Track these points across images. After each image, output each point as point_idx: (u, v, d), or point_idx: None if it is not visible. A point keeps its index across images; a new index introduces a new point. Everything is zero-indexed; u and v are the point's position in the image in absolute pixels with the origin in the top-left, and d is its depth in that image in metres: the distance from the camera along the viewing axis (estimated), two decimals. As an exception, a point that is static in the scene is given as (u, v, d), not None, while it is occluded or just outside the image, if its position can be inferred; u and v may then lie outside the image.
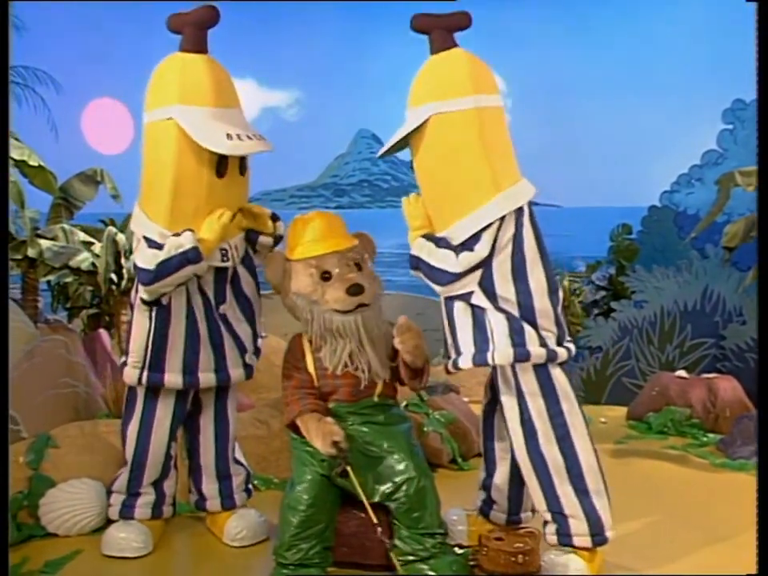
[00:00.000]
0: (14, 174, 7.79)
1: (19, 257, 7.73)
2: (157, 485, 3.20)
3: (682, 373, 5.37)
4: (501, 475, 3.02)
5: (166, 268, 2.85)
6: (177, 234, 2.88)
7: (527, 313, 2.78)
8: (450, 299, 2.85)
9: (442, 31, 2.86)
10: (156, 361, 3.02)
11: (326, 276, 2.76)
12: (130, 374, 3.07)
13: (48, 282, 8.75)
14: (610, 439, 4.76)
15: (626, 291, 6.32)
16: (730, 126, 6.38)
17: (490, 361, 2.74)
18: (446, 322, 2.90)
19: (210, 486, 3.26)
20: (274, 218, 3.13)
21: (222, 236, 2.92)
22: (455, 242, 2.77)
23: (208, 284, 3.05)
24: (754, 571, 2.25)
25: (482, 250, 2.73)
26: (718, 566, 2.86)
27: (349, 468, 2.67)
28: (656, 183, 7.14)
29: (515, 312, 2.76)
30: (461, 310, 2.82)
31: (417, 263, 2.87)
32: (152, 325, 3.01)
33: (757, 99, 2.67)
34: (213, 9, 2.87)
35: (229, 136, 2.83)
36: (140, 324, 3.04)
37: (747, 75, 2.95)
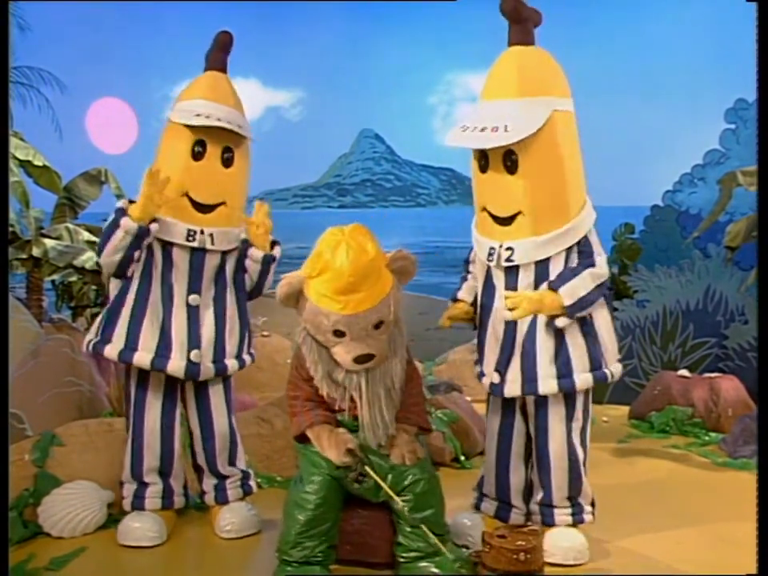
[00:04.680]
0: (18, 174, 7.82)
1: (24, 256, 7.76)
2: (163, 475, 3.25)
3: (684, 372, 5.38)
4: (518, 481, 3.06)
5: (105, 234, 3.04)
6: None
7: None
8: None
9: (531, 25, 2.84)
10: (105, 331, 3.13)
11: (338, 333, 2.62)
12: (84, 341, 3.23)
13: (52, 281, 8.78)
14: (612, 438, 4.78)
15: (629, 290, 6.31)
16: (733, 126, 6.38)
17: (577, 387, 2.83)
18: (522, 341, 2.85)
19: (207, 482, 3.34)
20: (275, 242, 3.27)
21: (149, 199, 2.96)
22: (565, 244, 2.78)
23: (179, 268, 3.12)
24: (754, 571, 2.25)
25: (600, 246, 2.87)
26: (719, 566, 2.86)
27: (368, 469, 2.67)
28: (658, 183, 7.13)
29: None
30: (543, 330, 2.82)
31: (581, 306, 2.76)
32: (112, 296, 3.16)
33: (757, 99, 2.67)
34: (225, 33, 3.21)
35: (198, 114, 3.04)
36: (110, 296, 3.21)
37: (750, 75, 2.95)
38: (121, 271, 3.09)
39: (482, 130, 2.69)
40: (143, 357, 3.08)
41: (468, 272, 3.11)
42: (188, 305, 3.13)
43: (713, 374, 5.32)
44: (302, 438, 2.81)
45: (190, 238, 3.08)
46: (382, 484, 2.66)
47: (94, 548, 3.09)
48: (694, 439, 4.80)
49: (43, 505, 3.23)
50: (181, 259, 3.12)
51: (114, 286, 3.18)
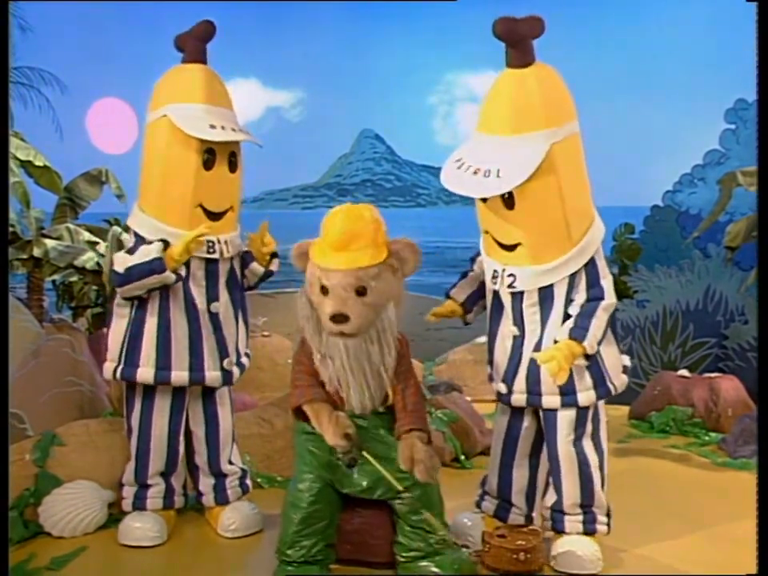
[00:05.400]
0: (19, 174, 7.83)
1: (25, 256, 7.76)
2: (165, 476, 3.26)
3: (684, 372, 5.38)
4: (520, 480, 3.06)
5: (132, 274, 2.96)
6: (150, 242, 2.99)
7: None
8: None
9: (530, 41, 2.69)
10: (130, 355, 3.09)
11: (324, 290, 2.66)
12: (107, 368, 3.18)
13: (53, 281, 8.78)
14: (612, 438, 4.72)
15: (629, 291, 6.32)
16: (733, 126, 6.40)
17: (580, 404, 2.85)
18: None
19: (205, 483, 3.34)
20: (274, 254, 3.27)
21: (186, 251, 2.96)
22: (568, 271, 2.76)
23: (197, 278, 3.11)
24: (754, 571, 2.26)
25: (605, 268, 2.85)
26: (719, 566, 2.87)
27: (365, 453, 2.66)
28: (659, 183, 7.13)
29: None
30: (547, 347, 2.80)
31: (599, 345, 2.79)
32: (129, 319, 3.11)
33: (757, 99, 2.68)
34: (209, 23, 3.11)
35: (213, 126, 2.99)
36: (119, 318, 3.14)
37: (750, 75, 2.96)
38: (136, 297, 3.07)
39: (476, 172, 2.66)
40: (180, 376, 3.08)
41: (472, 269, 3.11)
42: (210, 312, 3.13)
43: (713, 374, 5.33)
44: (299, 412, 2.76)
45: (211, 250, 3.08)
46: (379, 467, 2.65)
47: (94, 548, 3.10)
48: (694, 439, 4.80)
49: (44, 504, 3.23)
50: (198, 269, 3.11)
51: (122, 307, 3.13)
